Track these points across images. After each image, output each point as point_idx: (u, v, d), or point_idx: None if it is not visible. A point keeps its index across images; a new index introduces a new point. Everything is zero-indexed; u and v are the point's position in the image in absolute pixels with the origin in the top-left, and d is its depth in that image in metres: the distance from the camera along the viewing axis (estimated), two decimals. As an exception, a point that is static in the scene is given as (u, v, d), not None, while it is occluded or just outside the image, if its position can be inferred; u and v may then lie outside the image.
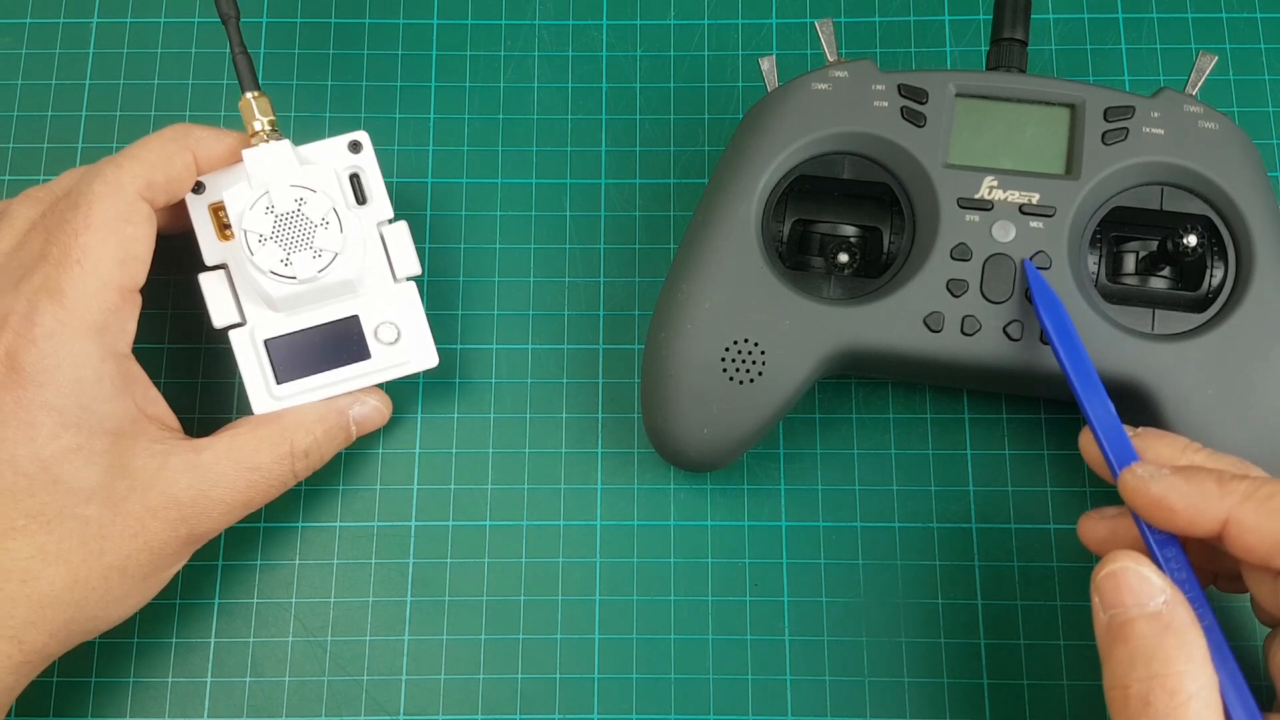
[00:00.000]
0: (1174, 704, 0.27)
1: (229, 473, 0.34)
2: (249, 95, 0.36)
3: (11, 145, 0.42)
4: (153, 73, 0.43)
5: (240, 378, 0.37)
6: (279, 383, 0.36)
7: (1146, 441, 0.32)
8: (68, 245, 0.33)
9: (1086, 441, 0.33)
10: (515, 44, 0.44)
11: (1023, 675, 0.37)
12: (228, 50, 0.42)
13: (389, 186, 0.38)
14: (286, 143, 0.36)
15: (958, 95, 0.37)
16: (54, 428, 0.32)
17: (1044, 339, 0.35)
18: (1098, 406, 0.32)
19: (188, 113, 0.43)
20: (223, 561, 0.39)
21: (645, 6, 0.44)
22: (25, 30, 0.44)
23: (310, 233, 0.35)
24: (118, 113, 0.43)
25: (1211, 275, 0.37)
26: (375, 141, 0.42)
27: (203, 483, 0.34)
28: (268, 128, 0.36)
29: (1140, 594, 0.29)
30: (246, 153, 0.35)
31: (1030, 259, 0.35)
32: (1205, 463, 0.31)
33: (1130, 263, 0.38)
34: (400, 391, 0.40)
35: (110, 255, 0.33)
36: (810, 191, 0.38)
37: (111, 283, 0.33)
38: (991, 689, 0.37)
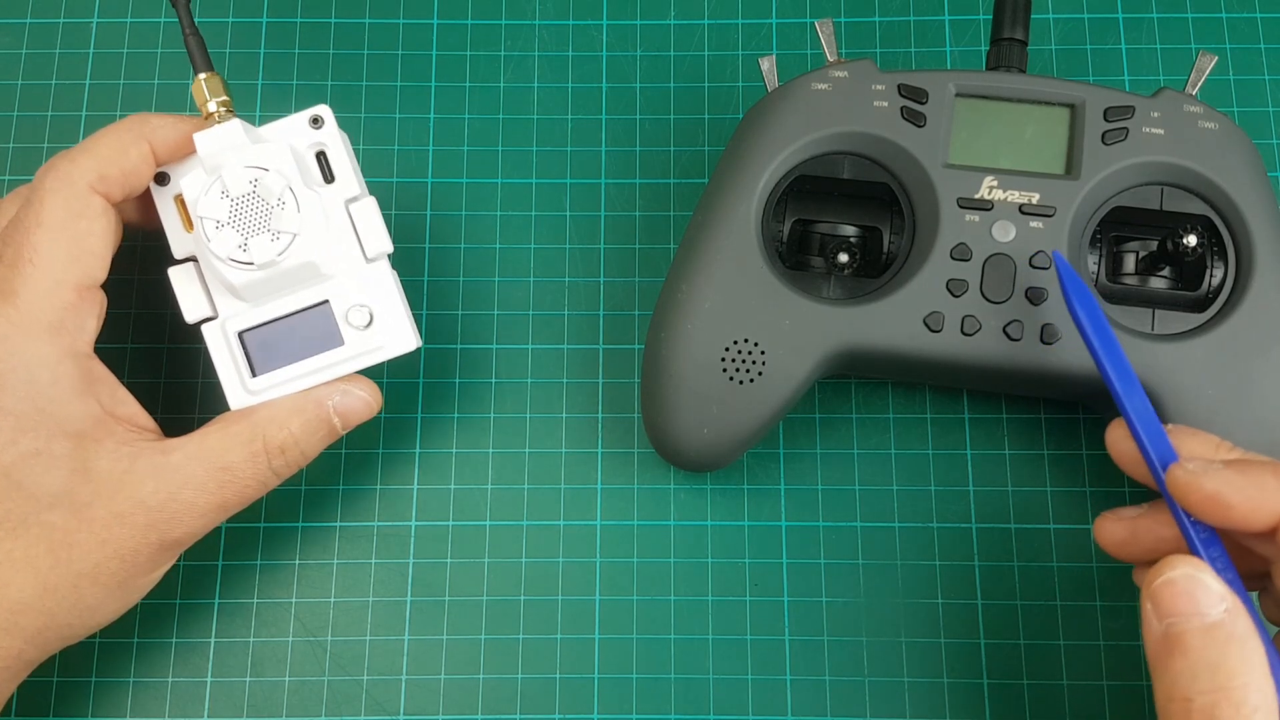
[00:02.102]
0: (1239, 718, 0.26)
1: (198, 474, 0.33)
2: (200, 77, 0.34)
3: (11, 145, 0.42)
4: (153, 73, 0.43)
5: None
6: (254, 375, 0.35)
7: (1179, 439, 0.31)
8: (20, 244, 0.32)
9: (1117, 438, 0.32)
10: (515, 44, 0.44)
11: (1023, 675, 0.37)
12: (227, 49, 0.43)
13: (389, 186, 0.37)
14: (238, 121, 0.34)
15: (958, 95, 0.37)
16: (11, 432, 0.31)
17: (1080, 334, 0.34)
18: (1136, 402, 0.31)
19: (187, 113, 0.43)
20: (223, 561, 0.39)
21: (645, 6, 0.44)
22: (25, 30, 0.44)
23: (266, 215, 0.33)
24: (118, 113, 0.43)
25: (1211, 275, 0.37)
26: (375, 141, 0.42)
27: (170, 485, 0.32)
28: (221, 110, 0.34)
29: (1201, 602, 0.27)
30: (198, 136, 0.34)
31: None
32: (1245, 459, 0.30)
33: (1130, 263, 0.38)
34: (400, 391, 0.40)
35: (63, 252, 0.32)
36: (810, 191, 0.38)
37: (66, 281, 0.32)
38: (991, 689, 0.37)
